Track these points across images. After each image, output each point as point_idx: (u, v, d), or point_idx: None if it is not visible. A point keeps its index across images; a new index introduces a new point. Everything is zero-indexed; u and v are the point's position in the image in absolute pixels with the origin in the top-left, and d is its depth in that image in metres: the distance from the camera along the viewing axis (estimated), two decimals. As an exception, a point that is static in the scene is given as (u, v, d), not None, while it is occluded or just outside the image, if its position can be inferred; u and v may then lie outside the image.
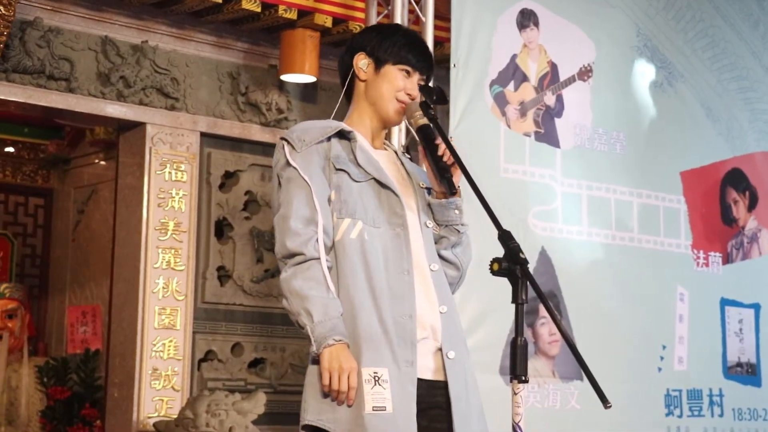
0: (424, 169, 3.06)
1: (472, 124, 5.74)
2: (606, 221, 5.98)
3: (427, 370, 2.86)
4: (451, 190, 2.98)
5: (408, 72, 3.04)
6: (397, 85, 3.03)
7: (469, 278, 5.58)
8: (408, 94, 3.03)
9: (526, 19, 5.97)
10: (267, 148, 6.36)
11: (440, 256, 3.03)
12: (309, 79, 6.18)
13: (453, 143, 5.35)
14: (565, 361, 5.67)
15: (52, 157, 8.27)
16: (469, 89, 5.76)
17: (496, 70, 5.86)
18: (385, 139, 3.18)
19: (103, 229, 7.30)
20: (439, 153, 2.96)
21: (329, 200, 2.86)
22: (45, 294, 8.34)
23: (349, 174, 2.90)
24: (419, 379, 2.80)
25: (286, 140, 2.92)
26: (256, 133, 6.31)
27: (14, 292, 7.10)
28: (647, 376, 5.91)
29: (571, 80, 6.06)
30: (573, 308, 5.76)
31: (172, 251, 5.95)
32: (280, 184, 2.89)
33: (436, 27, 5.85)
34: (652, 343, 5.96)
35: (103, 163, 7.65)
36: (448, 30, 5.87)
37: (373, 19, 5.87)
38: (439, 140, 2.99)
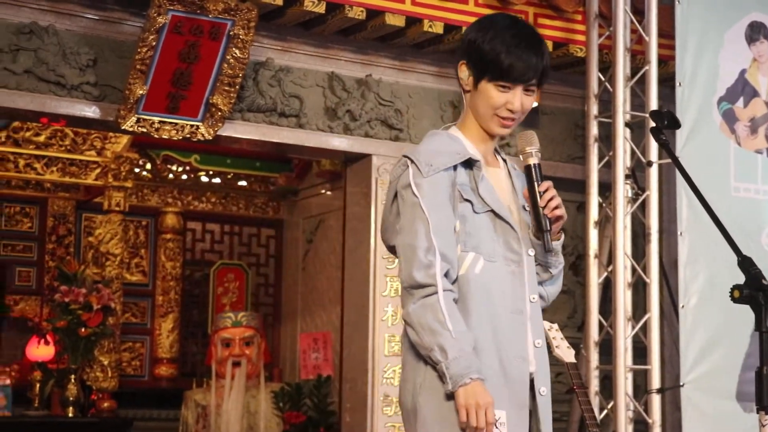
0: None
1: (700, 143, 5.63)
2: None
3: None
4: (546, 248, 2.82)
5: (507, 87, 2.79)
6: (495, 103, 2.79)
7: (700, 303, 5.52)
8: (509, 110, 2.80)
9: (756, 32, 5.82)
10: (490, 175, 6.42)
11: None
12: (530, 104, 6.19)
13: (681, 162, 5.27)
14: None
15: (281, 189, 8.61)
16: (696, 107, 5.66)
17: (724, 87, 5.74)
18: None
19: (331, 257, 7.52)
20: (541, 204, 2.77)
21: (455, 230, 2.75)
22: (278, 321, 8.67)
23: (472, 205, 2.78)
24: None
25: (411, 160, 2.77)
26: (479, 160, 6.37)
27: (251, 321, 7.37)
28: None
29: (806, 93, 5.85)
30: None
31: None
32: (400, 203, 2.77)
33: (660, 46, 5.76)
34: None
35: (329, 193, 7.89)
36: (672, 48, 5.78)
37: (595, 41, 5.85)
38: (545, 188, 2.78)
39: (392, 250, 2.85)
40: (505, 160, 2.96)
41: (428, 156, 2.76)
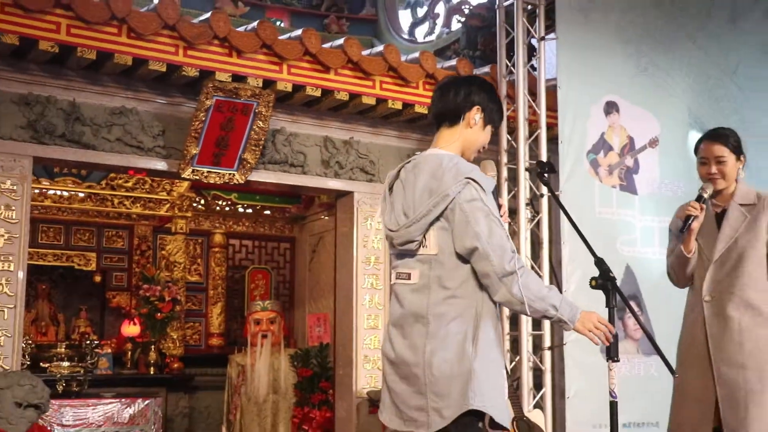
0: None
1: (575, 181, 5.70)
2: (674, 245, 5.80)
3: None
4: None
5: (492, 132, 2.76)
6: (486, 141, 2.74)
7: (577, 290, 5.57)
8: (484, 146, 2.75)
9: (610, 107, 5.90)
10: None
11: None
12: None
13: (561, 197, 5.31)
14: (646, 342, 5.51)
15: (294, 216, 8.60)
16: (573, 158, 5.73)
17: (590, 143, 5.81)
18: None
19: (328, 262, 7.51)
20: (501, 213, 2.61)
21: None
22: (292, 307, 8.65)
23: None
24: None
25: (471, 179, 2.53)
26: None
27: (273, 306, 7.35)
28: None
29: (643, 148, 5.94)
30: (651, 306, 5.62)
31: (374, 276, 6.10)
32: (460, 212, 2.51)
33: (548, 116, 5.84)
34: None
35: (326, 218, 7.88)
36: (556, 118, 5.86)
37: (503, 113, 5.90)
38: (501, 200, 2.76)
39: (405, 245, 2.55)
40: None
41: (482, 179, 2.56)
